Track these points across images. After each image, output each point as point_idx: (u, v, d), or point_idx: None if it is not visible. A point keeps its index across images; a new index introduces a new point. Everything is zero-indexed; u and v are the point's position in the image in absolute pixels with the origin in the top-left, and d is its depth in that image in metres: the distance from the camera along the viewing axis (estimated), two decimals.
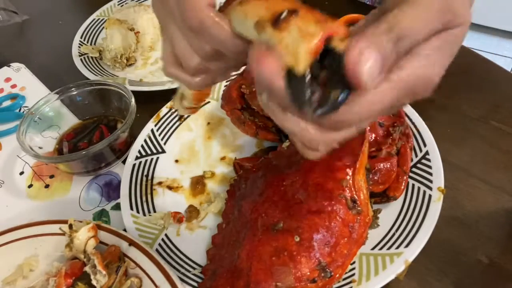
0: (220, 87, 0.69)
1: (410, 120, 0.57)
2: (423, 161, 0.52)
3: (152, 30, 0.86)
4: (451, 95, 0.65)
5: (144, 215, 0.54)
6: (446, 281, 0.46)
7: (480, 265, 0.46)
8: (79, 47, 0.82)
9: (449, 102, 0.64)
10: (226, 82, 0.69)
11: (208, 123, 0.66)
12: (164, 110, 0.66)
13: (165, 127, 0.64)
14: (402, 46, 0.24)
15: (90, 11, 0.92)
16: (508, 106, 0.62)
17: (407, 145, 0.53)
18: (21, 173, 0.65)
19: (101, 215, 0.58)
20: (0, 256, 0.49)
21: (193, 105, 0.41)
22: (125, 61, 0.79)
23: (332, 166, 0.44)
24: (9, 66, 0.84)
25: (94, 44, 0.85)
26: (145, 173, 0.59)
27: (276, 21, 0.24)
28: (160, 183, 0.58)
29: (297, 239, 0.41)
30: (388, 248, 0.46)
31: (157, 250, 0.50)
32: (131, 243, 0.47)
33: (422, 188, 0.50)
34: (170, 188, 0.58)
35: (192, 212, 0.54)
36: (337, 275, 0.41)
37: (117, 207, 0.57)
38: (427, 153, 0.53)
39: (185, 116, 0.66)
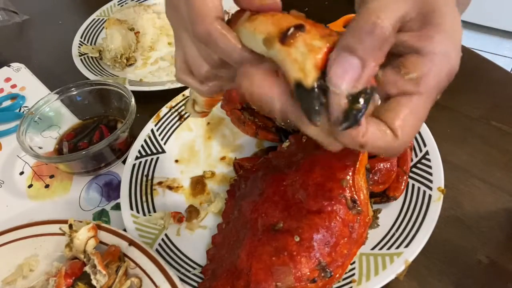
0: None
1: None
2: (423, 161, 0.52)
3: (152, 30, 0.87)
4: (451, 95, 0.65)
5: (144, 215, 0.54)
6: (446, 281, 0.46)
7: (480, 265, 0.46)
8: (79, 47, 0.82)
9: (449, 102, 0.64)
10: None
11: (208, 123, 0.66)
12: (164, 110, 0.66)
13: (165, 127, 0.64)
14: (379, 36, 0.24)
15: (90, 11, 0.92)
16: (508, 106, 0.62)
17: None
18: (21, 173, 0.65)
19: (101, 215, 0.58)
20: (0, 256, 0.49)
21: (204, 109, 0.42)
22: (125, 61, 0.79)
23: (332, 166, 0.44)
24: (9, 66, 0.85)
25: (94, 44, 0.85)
26: (145, 173, 0.59)
27: (284, 37, 0.25)
28: (160, 183, 0.58)
29: (297, 239, 0.41)
30: (388, 248, 0.46)
31: (157, 250, 0.50)
32: (131, 243, 0.47)
33: (422, 188, 0.50)
34: (170, 188, 0.58)
35: (192, 212, 0.54)
36: (337, 275, 0.41)
37: (117, 207, 0.57)
38: (427, 153, 0.53)
39: (185, 116, 0.66)
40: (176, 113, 0.66)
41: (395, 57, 0.27)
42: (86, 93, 0.67)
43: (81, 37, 0.85)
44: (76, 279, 0.45)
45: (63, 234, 0.48)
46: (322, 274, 0.40)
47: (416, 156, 0.53)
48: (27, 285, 0.47)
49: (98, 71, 0.77)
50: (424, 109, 0.27)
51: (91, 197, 0.60)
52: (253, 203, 0.45)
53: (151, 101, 0.70)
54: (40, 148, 0.62)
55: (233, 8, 0.87)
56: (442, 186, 0.49)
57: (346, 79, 0.24)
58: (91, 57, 0.81)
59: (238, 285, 0.41)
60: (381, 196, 0.50)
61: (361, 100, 0.24)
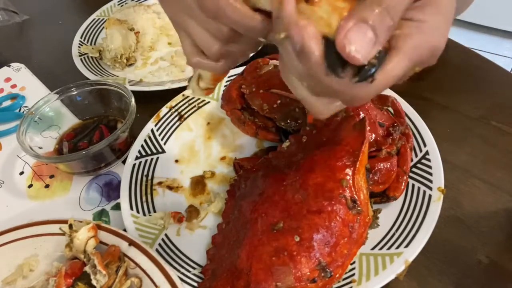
0: (220, 87, 0.69)
1: (410, 120, 0.57)
2: (423, 161, 0.52)
3: (152, 30, 0.87)
4: (451, 95, 0.65)
5: (144, 215, 0.54)
6: (446, 281, 0.46)
7: (480, 265, 0.46)
8: (79, 47, 0.82)
9: (449, 102, 0.64)
10: (226, 82, 0.69)
11: (208, 123, 0.66)
12: (164, 110, 0.66)
13: (165, 127, 0.64)
14: (393, 13, 0.26)
15: (90, 11, 0.92)
16: (508, 106, 0.62)
17: (407, 145, 0.53)
18: (21, 173, 0.65)
19: (101, 215, 0.58)
20: (0, 256, 0.49)
21: (210, 85, 0.42)
22: (125, 61, 0.79)
23: (332, 166, 0.44)
24: (9, 66, 0.84)
25: (94, 44, 0.85)
26: (145, 173, 0.59)
27: None
28: (160, 183, 0.58)
29: (297, 239, 0.41)
30: (388, 248, 0.46)
31: (157, 250, 0.50)
32: (131, 243, 0.47)
33: (422, 188, 0.50)
34: (170, 188, 0.58)
35: (192, 212, 0.54)
36: (337, 275, 0.41)
37: (117, 207, 0.57)
38: (427, 153, 0.53)
39: (185, 116, 0.66)
40: (176, 113, 0.66)
41: None
42: (86, 93, 0.67)
43: (81, 37, 0.85)
44: (76, 279, 0.45)
45: (63, 234, 0.48)
46: (322, 274, 0.40)
47: (416, 156, 0.53)
48: (27, 285, 0.48)
49: (98, 71, 0.77)
50: (397, 66, 0.28)
51: (91, 197, 0.60)
52: (253, 203, 0.45)
53: (151, 101, 0.70)
54: (40, 148, 0.62)
55: None
56: (442, 186, 0.49)
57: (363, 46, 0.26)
58: (91, 57, 0.81)
59: (238, 285, 0.41)
60: (381, 196, 0.50)
61: (375, 60, 0.26)
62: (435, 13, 0.28)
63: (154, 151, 0.62)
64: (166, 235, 0.52)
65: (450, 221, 0.50)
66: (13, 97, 0.78)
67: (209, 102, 0.68)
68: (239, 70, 0.68)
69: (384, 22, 0.26)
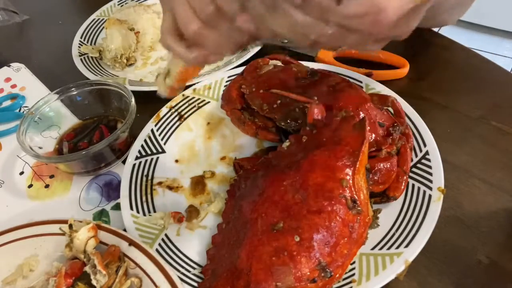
0: (220, 87, 0.69)
1: (410, 120, 0.57)
2: (423, 161, 0.52)
3: (152, 30, 0.86)
4: (451, 95, 0.65)
5: (144, 215, 0.54)
6: (446, 281, 0.46)
7: (480, 265, 0.46)
8: (79, 47, 0.82)
9: (449, 102, 0.64)
10: (226, 82, 0.69)
11: (208, 123, 0.66)
12: (164, 110, 0.66)
13: (165, 127, 0.64)
14: None
15: (90, 11, 0.92)
16: (508, 106, 0.62)
17: (407, 145, 0.53)
18: (21, 173, 0.65)
19: (101, 215, 0.58)
20: (0, 256, 0.49)
21: (175, 84, 0.42)
22: (125, 61, 0.79)
23: (332, 166, 0.44)
24: (9, 66, 0.84)
25: (94, 44, 0.85)
26: (145, 173, 0.59)
27: None
28: (160, 183, 0.58)
29: (297, 239, 0.41)
30: (388, 248, 0.46)
31: (157, 250, 0.50)
32: (131, 243, 0.47)
33: (422, 188, 0.50)
34: (170, 188, 0.58)
35: (192, 212, 0.54)
36: (337, 275, 0.41)
37: (117, 207, 0.57)
38: (427, 153, 0.53)
39: (185, 116, 0.66)
40: (176, 113, 0.66)
41: None
42: (86, 93, 0.67)
43: (81, 37, 0.85)
44: (76, 279, 0.45)
45: (63, 234, 0.48)
46: (322, 274, 0.40)
47: (416, 156, 0.53)
48: (27, 285, 0.48)
49: (98, 71, 0.77)
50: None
51: (91, 197, 0.60)
52: (253, 203, 0.45)
53: (151, 101, 0.69)
54: (40, 148, 0.62)
55: None
56: (442, 186, 0.49)
57: None
58: (91, 57, 0.81)
59: (238, 285, 0.41)
60: (381, 196, 0.50)
61: None
62: None
63: (154, 151, 0.62)
64: (166, 235, 0.52)
65: (450, 221, 0.50)
66: (13, 97, 0.78)
67: (209, 102, 0.68)
68: (239, 70, 0.68)
69: None
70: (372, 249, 0.46)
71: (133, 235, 0.49)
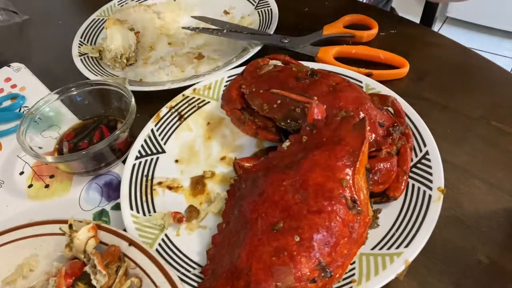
0: (220, 87, 0.69)
1: (410, 120, 0.57)
2: (423, 161, 0.52)
3: (152, 30, 0.87)
4: (451, 95, 0.65)
5: (144, 215, 0.54)
6: (446, 281, 0.46)
7: (480, 265, 0.46)
8: (79, 47, 0.82)
9: (449, 102, 0.64)
10: (226, 82, 0.69)
11: (208, 123, 0.66)
12: (164, 110, 0.66)
13: (165, 127, 0.64)
14: None
15: (90, 11, 0.92)
16: (508, 106, 0.62)
17: (407, 145, 0.53)
18: (21, 173, 0.65)
19: (101, 215, 0.58)
20: (0, 256, 0.49)
21: None
22: (125, 61, 0.79)
23: (332, 166, 0.44)
24: (9, 66, 0.84)
25: (94, 44, 0.85)
26: (145, 173, 0.59)
27: None
28: (160, 183, 0.58)
29: (297, 239, 0.41)
30: (388, 248, 0.46)
31: (157, 250, 0.50)
32: (131, 243, 0.47)
33: (422, 188, 0.50)
34: (170, 188, 0.58)
35: (192, 212, 0.54)
36: (337, 275, 0.41)
37: (117, 207, 0.57)
38: (427, 153, 0.53)
39: (185, 116, 0.66)
40: (176, 113, 0.66)
41: None
42: (86, 93, 0.67)
43: (81, 37, 0.85)
44: (76, 279, 0.45)
45: (63, 234, 0.48)
46: (322, 274, 0.40)
47: (416, 156, 0.53)
48: (27, 285, 0.48)
49: (98, 71, 0.77)
50: None
51: (91, 197, 0.60)
52: (253, 203, 0.45)
53: (151, 101, 0.70)
54: (40, 148, 0.62)
55: (232, 8, 0.88)
56: (442, 186, 0.49)
57: None
58: (91, 57, 0.81)
59: (238, 285, 0.41)
60: (381, 196, 0.50)
61: None
62: None
63: (154, 151, 0.62)
64: (166, 235, 0.52)
65: (450, 221, 0.50)
66: (13, 97, 0.78)
67: (209, 102, 0.68)
68: (239, 70, 0.68)
69: None
70: (372, 249, 0.46)
71: (133, 235, 0.49)
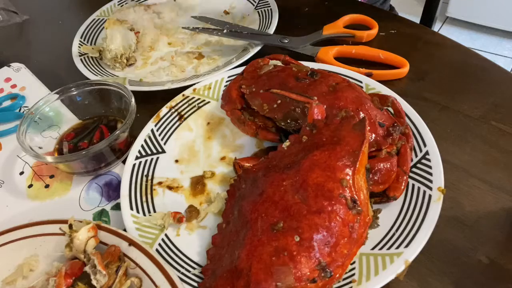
0: (220, 87, 0.69)
1: (410, 120, 0.57)
2: (423, 161, 0.52)
3: (152, 30, 0.87)
4: (451, 95, 0.65)
5: (144, 215, 0.54)
6: (446, 281, 0.46)
7: (480, 265, 0.46)
8: (79, 47, 0.82)
9: (449, 102, 0.64)
10: (226, 82, 0.69)
11: (208, 123, 0.66)
12: (164, 110, 0.66)
13: (165, 127, 0.64)
14: None
15: (90, 11, 0.92)
16: (508, 106, 0.62)
17: (407, 145, 0.53)
18: (21, 173, 0.65)
19: (101, 215, 0.58)
20: (0, 256, 0.49)
21: None
22: (125, 61, 0.79)
23: (332, 166, 0.44)
24: (9, 66, 0.85)
25: (94, 44, 0.85)
26: (145, 173, 0.59)
27: None
28: (160, 183, 0.58)
29: (297, 239, 0.41)
30: (388, 248, 0.46)
31: (157, 250, 0.50)
32: (131, 243, 0.47)
33: (422, 188, 0.50)
34: (170, 188, 0.58)
35: (192, 212, 0.54)
36: (337, 275, 0.41)
37: (117, 207, 0.57)
38: (427, 153, 0.53)
39: (185, 116, 0.66)
40: (176, 113, 0.66)
41: None
42: (86, 93, 0.67)
43: (81, 37, 0.85)
44: (76, 279, 0.45)
45: (63, 234, 0.48)
46: (322, 274, 0.40)
47: (416, 156, 0.53)
48: (27, 285, 0.48)
49: (98, 71, 0.77)
50: None
51: (91, 197, 0.60)
52: (253, 203, 0.45)
53: (151, 101, 0.70)
54: (40, 148, 0.62)
55: (232, 8, 0.89)
56: (442, 186, 0.49)
57: None
58: (91, 57, 0.81)
59: (238, 285, 0.41)
60: (381, 196, 0.50)
61: None
62: None
63: (154, 151, 0.62)
64: (166, 235, 0.52)
65: (450, 221, 0.50)
66: (13, 97, 0.78)
67: (209, 102, 0.68)
68: (239, 70, 0.68)
69: None
70: (372, 249, 0.46)
71: (133, 235, 0.49)
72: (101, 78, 0.75)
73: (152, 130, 0.64)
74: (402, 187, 0.50)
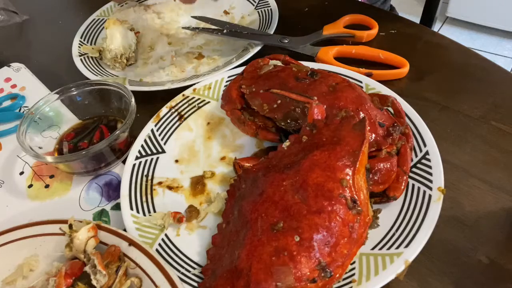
0: (220, 87, 0.69)
1: (410, 120, 0.57)
2: (423, 161, 0.52)
3: (152, 30, 0.87)
4: (451, 95, 0.65)
5: (144, 215, 0.54)
6: (446, 281, 0.46)
7: (480, 265, 0.46)
8: (79, 47, 0.82)
9: (449, 102, 0.64)
10: (226, 82, 0.69)
11: (208, 123, 0.66)
12: (164, 110, 0.66)
13: (165, 127, 0.64)
14: None
15: (90, 11, 0.92)
16: (508, 106, 0.62)
17: (407, 145, 0.53)
18: (21, 173, 0.65)
19: (101, 215, 0.58)
20: (0, 256, 0.49)
21: None
22: (125, 61, 0.79)
23: (332, 166, 0.44)
24: (9, 66, 0.84)
25: (94, 44, 0.85)
26: (145, 173, 0.59)
27: None
28: (160, 183, 0.58)
29: (297, 239, 0.41)
30: (388, 248, 0.46)
31: (157, 250, 0.50)
32: (131, 243, 0.47)
33: (422, 188, 0.50)
34: (170, 188, 0.58)
35: (192, 212, 0.54)
36: (337, 275, 0.41)
37: (117, 207, 0.57)
38: (427, 153, 0.53)
39: (185, 116, 0.66)
40: (176, 113, 0.66)
41: None
42: (86, 93, 0.67)
43: (81, 37, 0.85)
44: (76, 279, 0.45)
45: (63, 234, 0.48)
46: (322, 274, 0.40)
47: (416, 156, 0.53)
48: (27, 285, 0.48)
49: (98, 71, 0.77)
50: None
51: (91, 197, 0.60)
52: (253, 203, 0.45)
53: (151, 101, 0.70)
54: (40, 148, 0.62)
55: (232, 8, 0.89)
56: (442, 186, 0.49)
57: None
58: (91, 57, 0.81)
59: (238, 285, 0.41)
60: (381, 196, 0.50)
61: None
62: None
63: (154, 151, 0.62)
64: (166, 235, 0.52)
65: (450, 221, 0.50)
66: (13, 97, 0.78)
67: (209, 102, 0.68)
68: (239, 70, 0.68)
69: None
70: (372, 249, 0.46)
71: (133, 235, 0.49)
72: (101, 78, 0.75)
73: (152, 130, 0.64)
74: (402, 187, 0.50)
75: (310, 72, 0.59)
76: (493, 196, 0.52)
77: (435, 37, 0.77)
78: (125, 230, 0.51)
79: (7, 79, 0.82)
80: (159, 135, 0.63)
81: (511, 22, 2.14)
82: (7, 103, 0.77)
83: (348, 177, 0.43)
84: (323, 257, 0.40)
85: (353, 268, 0.45)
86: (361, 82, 0.63)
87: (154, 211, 0.55)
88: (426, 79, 0.68)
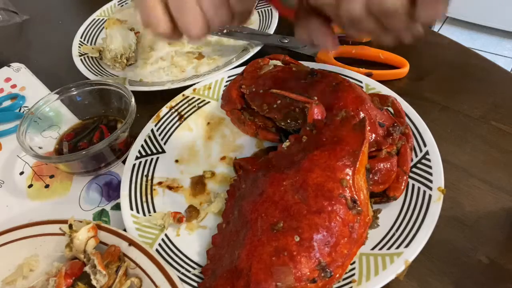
0: (220, 87, 0.69)
1: (410, 120, 0.57)
2: (423, 161, 0.52)
3: None
4: (451, 95, 0.65)
5: (144, 215, 0.54)
6: (446, 281, 0.46)
7: (480, 265, 0.46)
8: (79, 47, 0.82)
9: (449, 102, 0.64)
10: (226, 82, 0.69)
11: (208, 123, 0.66)
12: (164, 110, 0.66)
13: (165, 127, 0.64)
14: None
15: (90, 11, 0.92)
16: (508, 106, 0.62)
17: (407, 145, 0.53)
18: (21, 173, 0.65)
19: (101, 215, 0.58)
20: (0, 256, 0.49)
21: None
22: (125, 61, 0.79)
23: (332, 166, 0.44)
24: (9, 66, 0.85)
25: (94, 44, 0.85)
26: (145, 173, 0.59)
27: None
28: (160, 183, 0.58)
29: (297, 239, 0.41)
30: (388, 248, 0.46)
31: (157, 250, 0.50)
32: (131, 243, 0.47)
33: (422, 188, 0.50)
34: (170, 188, 0.58)
35: (192, 212, 0.54)
36: (337, 275, 0.41)
37: (117, 207, 0.57)
38: (427, 153, 0.53)
39: (185, 116, 0.66)
40: (176, 113, 0.66)
41: None
42: (86, 93, 0.67)
43: (81, 37, 0.85)
44: (76, 279, 0.45)
45: (63, 234, 0.48)
46: (322, 274, 0.40)
47: (416, 156, 0.53)
48: (27, 285, 0.48)
49: (98, 71, 0.77)
50: None
51: (91, 197, 0.60)
52: (253, 203, 0.45)
53: (151, 101, 0.70)
54: (40, 148, 0.62)
55: None
56: (442, 186, 0.49)
57: None
58: (91, 57, 0.81)
59: (238, 285, 0.41)
60: (381, 196, 0.50)
61: None
62: None
63: (154, 151, 0.62)
64: (166, 235, 0.52)
65: (450, 221, 0.50)
66: (13, 97, 0.78)
67: (209, 102, 0.68)
68: (239, 70, 0.68)
69: None
70: (372, 249, 0.46)
71: (133, 235, 0.49)
72: (101, 78, 0.75)
73: (152, 130, 0.64)
74: (402, 187, 0.49)
75: (310, 72, 0.59)
76: (493, 196, 0.52)
77: (435, 37, 0.77)
78: (125, 230, 0.51)
79: (7, 79, 0.82)
80: (159, 135, 0.63)
81: (511, 22, 2.14)
82: (7, 103, 0.77)
83: (348, 177, 0.43)
84: (323, 257, 0.40)
85: (353, 268, 0.45)
86: (361, 82, 0.63)
87: (154, 211, 0.55)
88: (426, 79, 0.68)
